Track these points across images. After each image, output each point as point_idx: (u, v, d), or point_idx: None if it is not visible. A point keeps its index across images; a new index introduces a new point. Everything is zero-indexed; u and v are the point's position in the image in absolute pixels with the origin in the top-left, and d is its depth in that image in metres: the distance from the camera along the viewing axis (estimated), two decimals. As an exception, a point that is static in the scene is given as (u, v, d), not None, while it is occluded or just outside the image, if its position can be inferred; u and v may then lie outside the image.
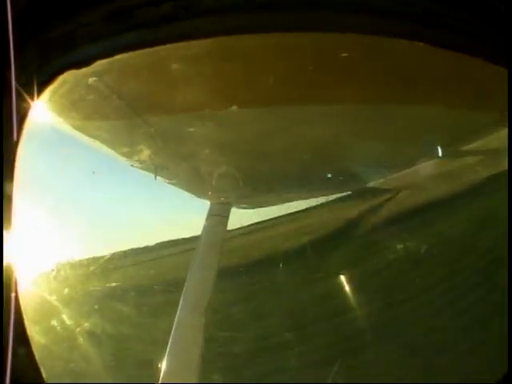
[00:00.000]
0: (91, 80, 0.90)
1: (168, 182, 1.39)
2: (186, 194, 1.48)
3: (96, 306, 1.30)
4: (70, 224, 1.33)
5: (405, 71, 0.92)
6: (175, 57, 0.86)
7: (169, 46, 0.82)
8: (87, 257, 1.38)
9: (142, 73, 0.93)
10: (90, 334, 1.25)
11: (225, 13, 0.76)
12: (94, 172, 1.31)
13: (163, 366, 1.21)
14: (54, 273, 1.29)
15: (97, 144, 1.26)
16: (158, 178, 1.37)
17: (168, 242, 1.47)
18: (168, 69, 0.89)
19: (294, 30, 0.78)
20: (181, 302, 1.28)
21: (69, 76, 0.88)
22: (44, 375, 0.82)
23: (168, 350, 1.24)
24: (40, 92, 0.86)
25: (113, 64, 0.86)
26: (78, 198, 1.34)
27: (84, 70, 0.86)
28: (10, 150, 0.82)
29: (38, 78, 0.85)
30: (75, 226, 1.35)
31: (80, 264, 1.38)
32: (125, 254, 1.41)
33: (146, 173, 1.34)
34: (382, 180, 1.49)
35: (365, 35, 0.81)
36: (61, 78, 0.87)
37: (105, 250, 1.40)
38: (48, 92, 0.90)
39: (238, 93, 0.97)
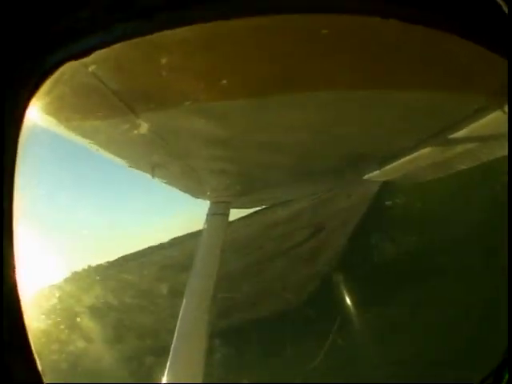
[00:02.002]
0: (88, 71, 0.91)
1: (166, 183, 1.39)
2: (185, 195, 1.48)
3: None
4: (69, 227, 1.32)
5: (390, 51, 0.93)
6: (169, 44, 0.87)
7: (163, 33, 0.83)
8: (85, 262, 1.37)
9: (136, 64, 0.93)
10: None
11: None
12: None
13: (168, 363, 1.20)
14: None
15: (93, 146, 1.26)
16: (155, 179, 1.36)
17: (168, 242, 1.46)
18: (162, 58, 0.90)
19: (279, 11, 0.79)
20: (184, 301, 1.27)
21: (67, 68, 0.88)
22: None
23: (172, 348, 1.22)
24: (37, 87, 0.87)
25: (108, 54, 0.87)
26: (74, 201, 1.33)
27: (82, 61, 0.87)
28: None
29: (35, 73, 0.85)
30: (72, 229, 1.33)
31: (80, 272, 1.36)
32: (126, 257, 1.40)
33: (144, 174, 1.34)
34: (377, 172, 1.50)
35: (359, 15, 0.83)
36: (59, 71, 0.88)
37: (104, 255, 1.39)
38: (45, 86, 0.90)
39: (230, 80, 0.98)
